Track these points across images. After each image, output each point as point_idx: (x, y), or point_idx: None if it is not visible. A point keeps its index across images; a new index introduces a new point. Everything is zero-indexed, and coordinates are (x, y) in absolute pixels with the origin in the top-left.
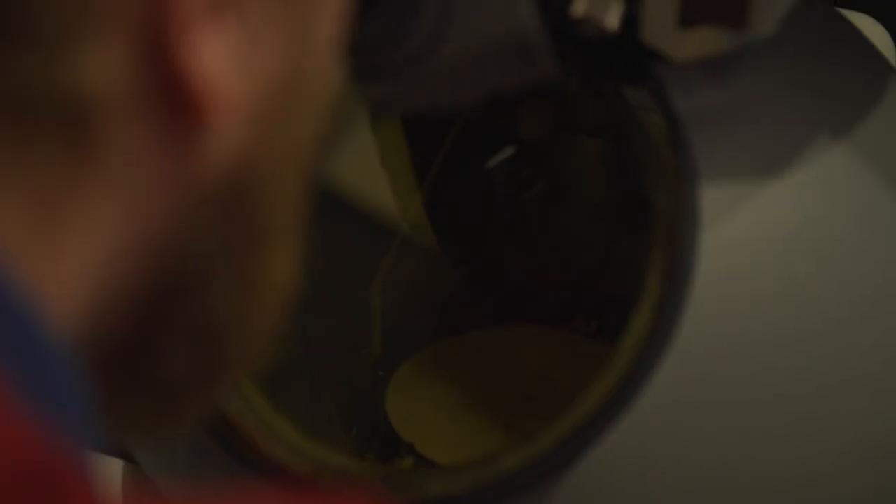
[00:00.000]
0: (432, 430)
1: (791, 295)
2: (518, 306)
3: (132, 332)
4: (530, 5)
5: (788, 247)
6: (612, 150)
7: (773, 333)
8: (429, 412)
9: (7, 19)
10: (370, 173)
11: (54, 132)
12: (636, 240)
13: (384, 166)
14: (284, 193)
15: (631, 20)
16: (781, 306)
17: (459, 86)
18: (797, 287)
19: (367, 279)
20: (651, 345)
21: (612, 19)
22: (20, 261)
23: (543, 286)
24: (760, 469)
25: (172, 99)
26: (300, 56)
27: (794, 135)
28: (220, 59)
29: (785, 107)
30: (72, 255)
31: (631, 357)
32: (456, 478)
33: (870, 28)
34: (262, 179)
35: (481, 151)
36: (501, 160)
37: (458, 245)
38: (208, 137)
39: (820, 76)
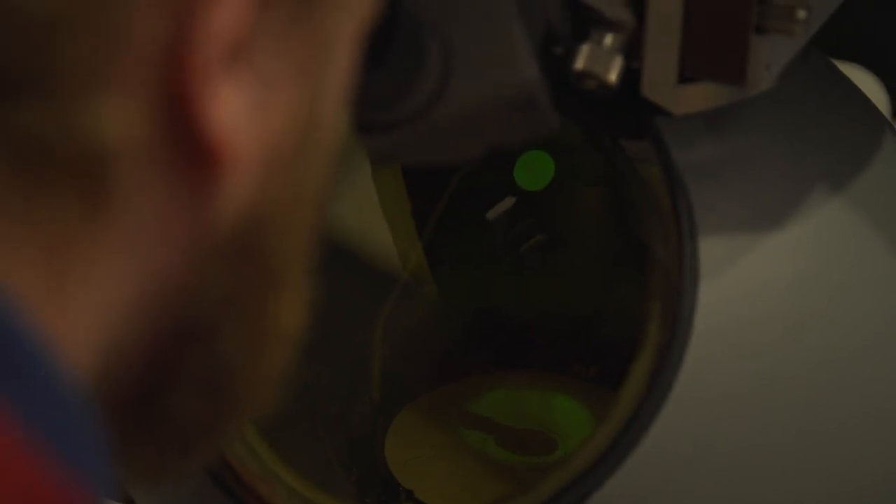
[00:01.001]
0: (431, 476)
1: (788, 346)
2: (517, 353)
3: (142, 379)
4: (534, 62)
5: (786, 299)
6: (611, 200)
7: (770, 384)
8: (428, 458)
9: (25, 71)
10: (370, 220)
11: (70, 183)
12: (634, 288)
13: (384, 215)
14: (295, 241)
15: (630, 75)
16: (779, 357)
17: (460, 140)
18: (794, 338)
19: (367, 325)
20: (651, 394)
21: (612, 74)
22: (34, 311)
23: (542, 333)
24: None
25: (189, 150)
26: (312, 105)
27: (791, 188)
28: (236, 110)
29: (782, 160)
30: (84, 305)
31: (631, 406)
32: None
33: (862, 79)
34: (274, 228)
35: (481, 201)
36: (501, 211)
37: (457, 293)
38: (222, 187)
39: (816, 129)
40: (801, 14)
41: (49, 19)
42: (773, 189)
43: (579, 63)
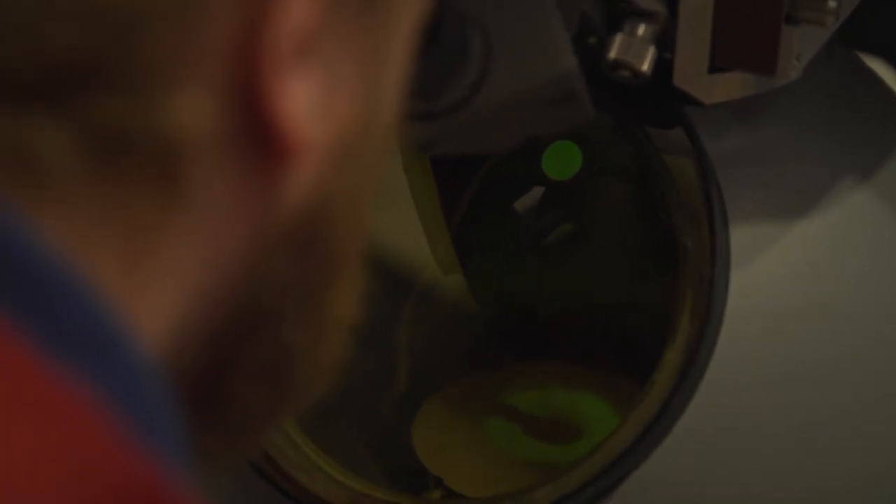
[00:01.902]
0: (459, 464)
1: (816, 333)
2: (540, 344)
3: (206, 365)
4: (573, 53)
5: (813, 287)
6: (638, 192)
7: (798, 370)
8: (456, 446)
9: (109, 66)
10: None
11: (147, 174)
12: (659, 280)
13: (414, 206)
14: (352, 230)
15: (662, 65)
16: (807, 344)
17: (499, 130)
18: (821, 325)
19: (393, 319)
20: (684, 380)
21: (645, 64)
22: (112, 293)
23: (565, 324)
24: (785, 499)
25: (259, 142)
26: (372, 97)
27: (818, 178)
28: (305, 103)
29: (808, 150)
30: (159, 288)
31: (664, 391)
32: None
33: (884, 72)
34: (335, 216)
35: (509, 191)
36: (530, 202)
37: (483, 283)
38: (290, 178)
39: (840, 121)
40: (832, 4)
41: (134, 16)
42: (800, 179)
43: (613, 52)
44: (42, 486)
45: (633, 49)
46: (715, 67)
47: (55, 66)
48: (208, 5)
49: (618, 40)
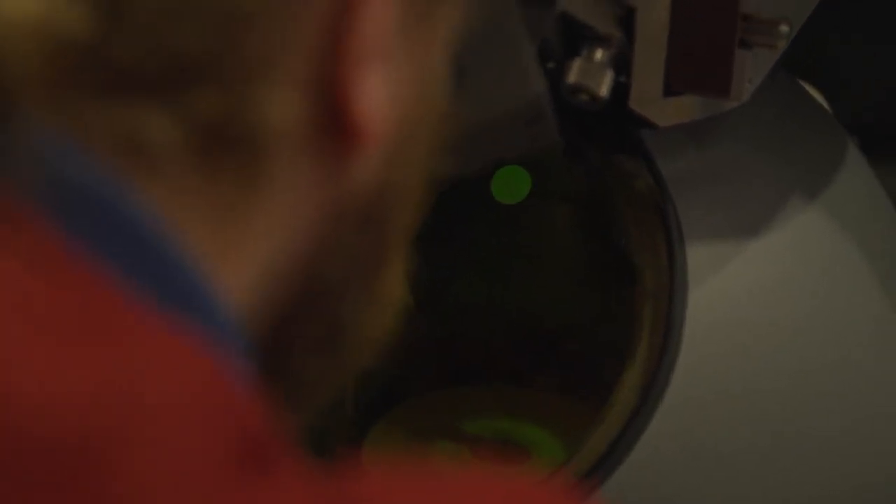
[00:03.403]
0: None
1: (773, 348)
2: (486, 366)
3: (274, 331)
4: (543, 78)
5: (769, 303)
6: (585, 214)
7: (757, 385)
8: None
9: (210, 61)
10: None
11: (238, 157)
12: (606, 301)
13: None
14: (406, 211)
15: (618, 88)
16: (765, 359)
17: (467, 154)
18: (779, 340)
19: None
20: (646, 398)
21: (603, 87)
22: (203, 256)
23: (507, 346)
24: None
25: (336, 131)
26: (426, 88)
27: (770, 196)
28: (377, 96)
29: (758, 170)
30: (242, 258)
31: (625, 411)
32: None
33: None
34: (393, 198)
35: (457, 215)
36: (477, 224)
37: (430, 306)
38: (360, 163)
39: (787, 141)
40: (784, 29)
41: (245, 17)
42: (752, 198)
43: (572, 77)
44: (171, 421)
45: (592, 73)
46: (670, 91)
47: (173, 64)
48: (305, 7)
49: (576, 65)
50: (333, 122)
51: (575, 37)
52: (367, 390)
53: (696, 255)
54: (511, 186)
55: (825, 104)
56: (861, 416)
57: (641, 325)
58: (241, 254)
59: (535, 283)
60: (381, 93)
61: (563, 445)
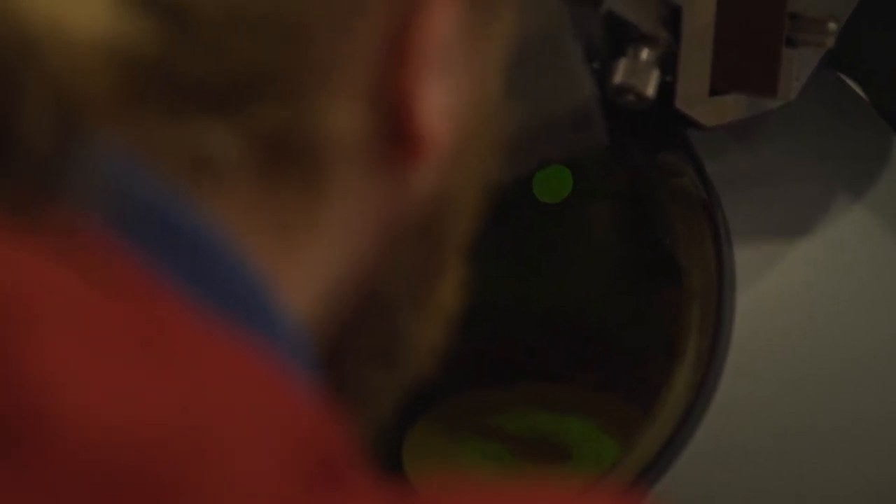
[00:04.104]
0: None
1: (820, 348)
2: (525, 364)
3: (333, 342)
4: (591, 80)
5: (816, 303)
6: (627, 213)
7: (804, 385)
8: (447, 468)
9: (272, 74)
10: None
11: (298, 171)
12: (648, 299)
13: None
14: (462, 220)
15: (664, 88)
16: (812, 359)
17: (515, 157)
18: (825, 341)
19: None
20: (697, 399)
21: (650, 88)
22: (267, 269)
23: (545, 343)
24: None
25: (398, 140)
26: (482, 97)
27: (816, 196)
28: (438, 105)
29: (804, 169)
30: (306, 270)
31: (677, 412)
32: None
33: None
34: (450, 208)
35: (498, 213)
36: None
37: (469, 304)
38: (418, 172)
39: (833, 139)
40: (833, 26)
41: (305, 30)
42: (799, 197)
43: (618, 77)
44: (250, 440)
45: (638, 73)
46: (716, 90)
47: (236, 78)
48: (363, 16)
49: (622, 65)
50: (394, 133)
51: (620, 36)
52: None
53: (743, 255)
54: (552, 185)
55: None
56: None
57: (689, 325)
58: (305, 266)
59: (572, 281)
60: (442, 103)
61: (608, 444)
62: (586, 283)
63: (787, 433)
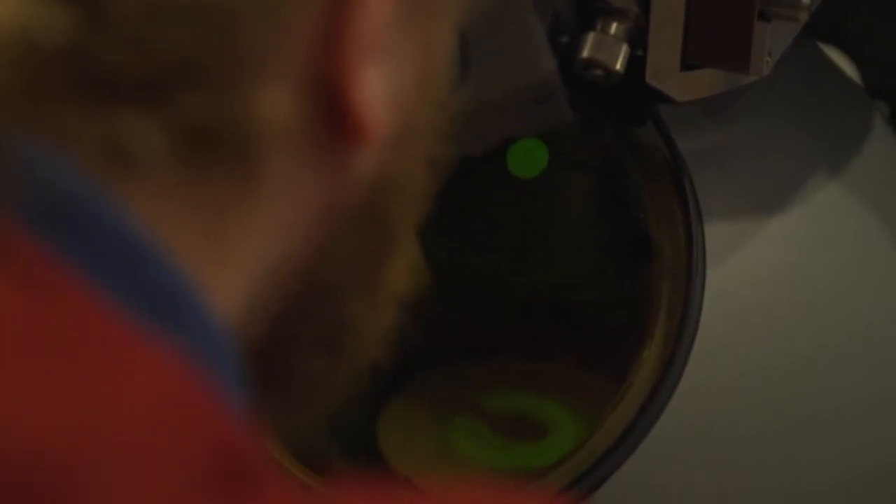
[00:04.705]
0: (427, 464)
1: (794, 327)
2: (503, 342)
3: (269, 337)
4: (552, 54)
5: (790, 282)
6: (604, 188)
7: (776, 366)
8: (423, 447)
9: (199, 63)
10: None
11: (227, 163)
12: (625, 276)
13: None
14: (409, 204)
15: (634, 62)
16: (785, 339)
17: (477, 131)
18: (799, 319)
19: None
20: (663, 380)
21: (618, 62)
22: (192, 264)
23: (524, 321)
24: (767, 497)
25: (335, 127)
26: (427, 78)
27: (791, 173)
28: (377, 89)
29: (779, 145)
30: (237, 261)
31: (643, 393)
32: None
33: (839, 60)
34: (394, 192)
35: (472, 190)
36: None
37: (446, 281)
38: (359, 158)
39: (810, 114)
40: (806, 1)
41: (233, 18)
42: (773, 175)
43: (586, 51)
44: (145, 440)
45: (606, 47)
46: (687, 65)
47: (159, 68)
48: (295, 5)
49: (590, 39)
50: (332, 119)
51: (589, 10)
52: (383, 364)
53: (715, 233)
54: (528, 160)
55: (854, 70)
56: (883, 396)
57: (659, 304)
58: (236, 257)
59: (550, 258)
60: (381, 86)
61: (582, 423)
62: (564, 261)
63: (759, 416)
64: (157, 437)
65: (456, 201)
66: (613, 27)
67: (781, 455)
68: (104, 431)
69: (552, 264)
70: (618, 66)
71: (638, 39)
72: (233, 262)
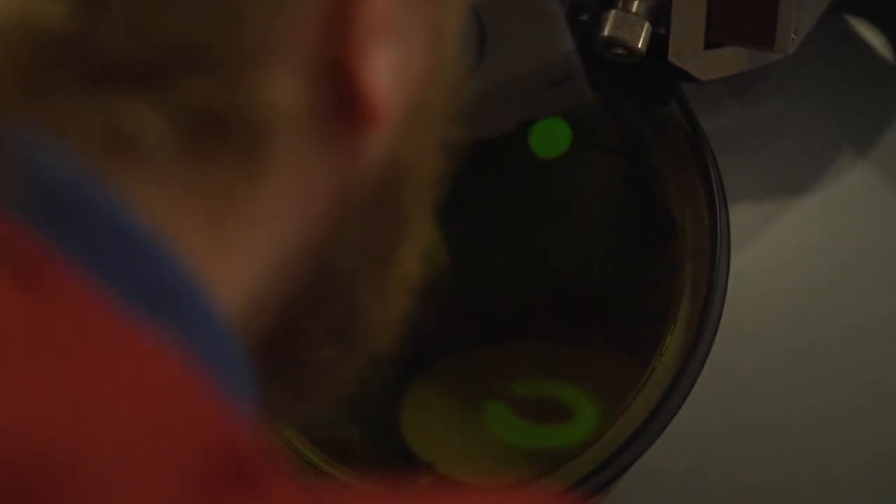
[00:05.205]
0: (450, 448)
1: (818, 310)
2: (526, 324)
3: (280, 325)
4: (570, 35)
5: (815, 264)
6: (627, 169)
7: (801, 349)
8: (446, 429)
9: (205, 48)
10: None
11: (233, 150)
12: (650, 257)
13: None
14: (419, 187)
15: (657, 41)
16: (809, 322)
17: (495, 113)
18: (824, 302)
19: None
20: (687, 365)
21: (640, 41)
22: (195, 255)
23: (549, 301)
24: (790, 482)
25: (344, 110)
26: (438, 59)
27: (815, 152)
28: (386, 70)
29: (804, 125)
30: (241, 253)
31: (667, 378)
32: None
33: (870, 35)
34: (404, 175)
35: (495, 170)
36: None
37: (469, 264)
38: (369, 142)
39: (834, 92)
40: None
41: (238, 3)
42: (797, 154)
43: (607, 30)
44: (145, 440)
45: (628, 26)
46: (711, 43)
47: (161, 54)
48: None
49: (612, 17)
50: (340, 103)
51: None
52: (406, 346)
53: (739, 214)
54: (550, 140)
55: (885, 43)
56: None
57: (682, 287)
58: (241, 247)
59: (574, 239)
60: (390, 69)
61: (605, 408)
62: (587, 243)
63: (784, 400)
64: (157, 437)
65: (478, 183)
66: (635, 4)
67: (805, 440)
68: (104, 431)
69: (574, 246)
70: (640, 45)
71: (660, 17)
72: (238, 252)
